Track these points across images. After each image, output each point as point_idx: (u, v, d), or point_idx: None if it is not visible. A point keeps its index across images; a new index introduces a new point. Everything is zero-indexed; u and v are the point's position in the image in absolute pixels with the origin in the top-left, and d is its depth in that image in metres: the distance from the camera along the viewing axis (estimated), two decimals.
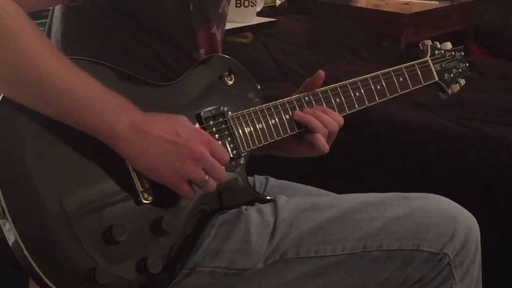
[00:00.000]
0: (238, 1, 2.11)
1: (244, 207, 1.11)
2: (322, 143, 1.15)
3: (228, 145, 1.10)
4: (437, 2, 3.47)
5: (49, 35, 1.13)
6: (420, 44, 1.38)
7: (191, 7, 1.09)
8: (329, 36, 2.95)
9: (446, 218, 1.10)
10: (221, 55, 1.18)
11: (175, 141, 0.96)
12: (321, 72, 1.20)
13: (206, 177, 0.98)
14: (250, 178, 1.24)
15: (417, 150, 2.13)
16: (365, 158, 2.17)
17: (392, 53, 3.02)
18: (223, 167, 1.01)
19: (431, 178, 2.06)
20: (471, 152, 2.06)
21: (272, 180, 1.29)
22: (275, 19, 2.35)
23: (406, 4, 3.42)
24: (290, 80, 2.51)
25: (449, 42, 1.42)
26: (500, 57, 3.48)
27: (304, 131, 1.18)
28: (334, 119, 1.17)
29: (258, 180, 1.29)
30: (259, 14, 2.30)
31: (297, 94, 1.20)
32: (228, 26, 2.18)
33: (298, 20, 2.92)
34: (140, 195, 0.99)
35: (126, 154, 0.96)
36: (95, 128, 0.94)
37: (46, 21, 1.15)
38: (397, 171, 2.13)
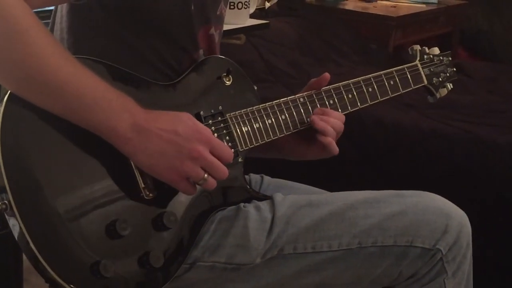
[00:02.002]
0: (232, 3, 2.13)
1: (242, 204, 1.13)
2: (334, 145, 1.19)
3: (226, 144, 1.12)
4: (424, 5, 3.51)
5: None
6: (409, 49, 1.42)
7: (192, 8, 1.12)
8: (319, 39, 2.97)
9: (439, 215, 1.13)
10: (220, 56, 1.21)
11: (173, 139, 0.98)
12: (327, 75, 1.23)
13: (205, 175, 1.00)
14: (246, 177, 1.27)
15: (406, 150, 2.16)
16: (355, 159, 2.19)
17: (380, 56, 3.05)
18: (225, 165, 1.02)
19: (420, 178, 2.09)
20: (459, 153, 2.09)
21: (267, 178, 1.32)
22: (268, 21, 2.37)
23: (394, 7, 3.46)
24: (281, 81, 2.53)
25: (436, 48, 1.46)
26: (486, 60, 3.52)
27: (305, 130, 1.20)
28: (339, 119, 1.21)
29: (254, 179, 1.31)
30: (250, 16, 2.32)
31: (300, 94, 1.22)
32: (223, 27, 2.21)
33: (288, 23, 2.94)
34: (142, 191, 1.01)
35: (127, 151, 0.98)
36: (99, 126, 0.96)
37: (48, 22, 1.16)
38: (386, 171, 2.15)
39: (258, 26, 2.31)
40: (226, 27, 2.18)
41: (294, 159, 1.29)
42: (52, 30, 1.15)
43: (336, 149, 1.19)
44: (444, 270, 1.12)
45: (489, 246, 1.92)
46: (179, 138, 0.98)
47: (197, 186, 1.02)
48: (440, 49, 1.47)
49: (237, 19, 2.20)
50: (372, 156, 2.20)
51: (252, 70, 2.50)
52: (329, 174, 1.99)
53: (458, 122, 2.23)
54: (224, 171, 1.02)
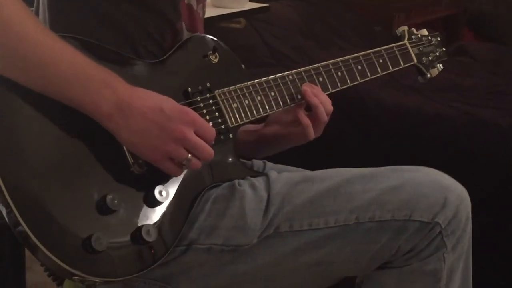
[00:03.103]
0: None
1: (237, 181, 1.12)
2: (311, 129, 1.19)
3: (216, 120, 1.11)
4: None
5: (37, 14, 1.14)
6: (396, 31, 1.44)
7: None
8: (321, 21, 2.96)
9: (438, 188, 1.11)
10: (204, 35, 1.20)
11: (157, 119, 0.96)
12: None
13: (189, 156, 0.99)
14: (248, 162, 1.27)
15: (409, 134, 2.14)
16: (357, 143, 2.18)
17: (384, 38, 3.03)
18: (210, 146, 1.01)
19: (423, 162, 2.05)
20: (462, 136, 2.07)
21: (270, 164, 1.31)
22: (268, 5, 2.36)
23: None
24: (283, 65, 2.51)
25: (425, 29, 1.47)
26: (491, 41, 3.49)
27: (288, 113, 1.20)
28: (328, 100, 1.21)
29: (256, 164, 1.30)
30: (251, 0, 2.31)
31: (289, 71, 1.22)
32: (221, 11, 2.20)
33: (291, 6, 2.92)
34: (132, 166, 1.00)
35: (110, 128, 0.96)
36: (80, 102, 0.95)
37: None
38: (389, 155, 2.14)
39: (257, 10, 2.29)
40: (225, 11, 2.18)
41: (277, 149, 1.29)
42: (37, 10, 1.14)
43: (312, 134, 1.20)
44: (444, 244, 1.10)
45: (493, 229, 1.92)
46: (163, 117, 0.97)
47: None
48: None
49: (236, 2, 2.19)
50: (374, 140, 2.18)
51: (254, 54, 2.50)
52: (329, 158, 1.98)
53: (462, 104, 2.21)
54: (208, 151, 1.00)
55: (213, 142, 1.02)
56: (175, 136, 0.97)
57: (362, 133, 2.19)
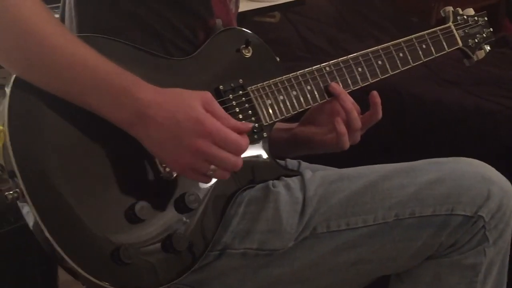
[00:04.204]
0: None
1: (271, 182, 1.09)
2: (346, 139, 1.17)
3: (249, 118, 1.08)
4: None
5: (63, 18, 1.12)
6: (441, 11, 1.39)
7: None
8: (358, 14, 2.92)
9: (480, 180, 1.07)
10: (237, 27, 1.17)
11: (172, 131, 0.92)
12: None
13: (212, 166, 0.94)
14: (281, 162, 1.23)
15: (449, 129, 2.10)
16: (395, 139, 2.14)
17: (422, 30, 2.97)
18: (236, 155, 0.95)
19: None
20: (504, 131, 2.02)
21: (304, 164, 1.28)
22: None
23: None
24: (318, 59, 2.46)
25: (471, 8, 1.41)
26: None
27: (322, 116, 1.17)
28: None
29: (290, 164, 1.27)
30: None
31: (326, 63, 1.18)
32: (256, 5, 2.17)
33: None
34: (162, 172, 0.98)
35: (134, 135, 0.94)
36: (101, 110, 0.92)
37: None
38: (428, 152, 2.08)
39: (293, 3, 2.26)
40: (259, 4, 2.15)
41: (312, 150, 1.25)
42: (63, 10, 1.12)
43: (347, 143, 1.16)
44: (486, 238, 1.06)
45: None
46: (178, 129, 0.92)
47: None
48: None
49: None
50: (412, 136, 2.14)
51: (289, 47, 2.47)
52: (366, 156, 1.94)
53: (503, 98, 2.14)
54: (233, 162, 0.94)
55: (241, 152, 0.96)
56: (190, 149, 0.92)
57: (400, 129, 2.15)
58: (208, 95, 0.95)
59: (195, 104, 0.93)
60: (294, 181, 1.10)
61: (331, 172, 1.13)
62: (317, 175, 1.11)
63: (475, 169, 1.09)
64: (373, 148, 2.05)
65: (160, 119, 0.92)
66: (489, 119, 2.05)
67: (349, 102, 1.16)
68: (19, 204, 0.90)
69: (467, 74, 2.34)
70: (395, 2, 3.12)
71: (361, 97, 1.21)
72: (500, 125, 2.03)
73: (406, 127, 2.16)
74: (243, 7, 1.68)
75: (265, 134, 1.10)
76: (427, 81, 2.23)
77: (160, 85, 0.95)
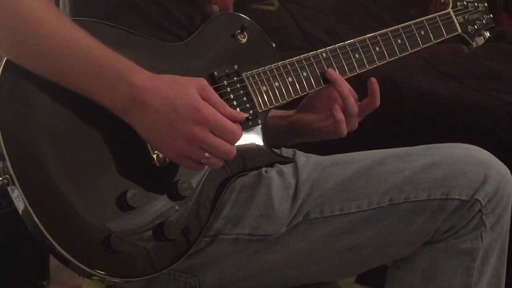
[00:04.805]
0: None
1: (264, 169, 1.08)
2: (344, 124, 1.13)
3: (244, 105, 1.06)
4: None
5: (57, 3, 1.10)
6: None
7: None
8: (356, 5, 2.91)
9: (476, 164, 1.05)
10: (232, 12, 1.14)
11: (168, 118, 0.90)
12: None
13: (206, 154, 0.93)
14: (276, 151, 1.21)
15: (446, 123, 2.09)
16: (391, 131, 2.13)
17: None
18: (231, 144, 0.95)
19: None
20: (502, 126, 2.02)
21: (300, 153, 1.26)
22: None
23: None
24: (315, 49, 2.45)
25: None
26: None
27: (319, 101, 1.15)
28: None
29: (285, 153, 1.25)
30: None
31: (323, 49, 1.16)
32: None
33: None
34: (154, 159, 0.96)
35: (128, 121, 0.92)
36: (94, 95, 0.91)
37: None
38: (425, 144, 2.09)
39: None
40: None
41: (306, 139, 1.23)
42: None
43: (345, 130, 1.14)
44: (483, 222, 1.04)
45: None
46: (174, 116, 0.90)
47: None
48: None
49: None
50: (410, 129, 2.13)
51: (287, 37, 2.46)
52: (363, 147, 1.93)
53: (502, 93, 2.15)
54: (226, 151, 0.94)
55: (236, 140, 0.95)
56: (186, 137, 0.91)
57: (398, 121, 2.15)
58: (203, 81, 0.94)
59: (192, 91, 0.92)
60: (287, 168, 1.08)
61: (325, 157, 1.11)
62: (310, 160, 1.09)
63: (472, 153, 1.07)
64: (370, 140, 2.04)
65: (156, 105, 0.90)
66: (487, 113, 2.05)
67: (346, 88, 1.14)
68: (9, 189, 0.87)
69: (466, 68, 2.33)
70: None
71: (357, 88, 1.20)
72: (498, 120, 2.03)
73: (404, 119, 2.15)
74: None
75: (259, 121, 1.08)
76: (426, 74, 2.23)
77: (154, 70, 0.94)
